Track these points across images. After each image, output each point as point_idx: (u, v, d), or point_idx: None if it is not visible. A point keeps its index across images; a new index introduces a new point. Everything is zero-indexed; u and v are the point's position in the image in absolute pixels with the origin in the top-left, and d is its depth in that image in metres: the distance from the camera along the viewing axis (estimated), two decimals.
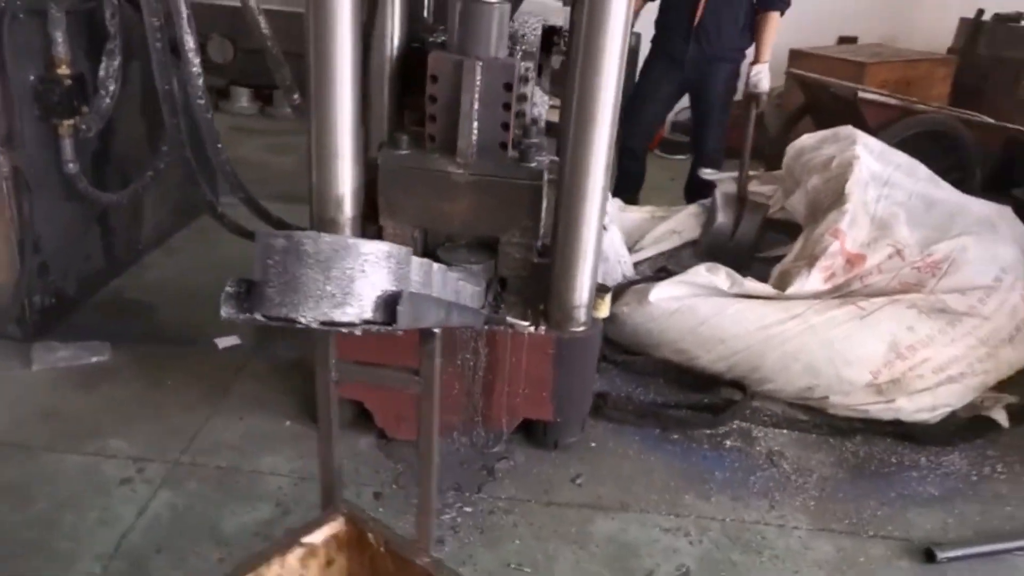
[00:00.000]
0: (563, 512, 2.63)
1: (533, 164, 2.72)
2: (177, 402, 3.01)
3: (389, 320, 1.20)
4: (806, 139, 4.11)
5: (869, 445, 3.15)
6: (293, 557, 1.38)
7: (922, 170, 3.90)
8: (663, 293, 3.30)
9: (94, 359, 3.21)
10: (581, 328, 2.74)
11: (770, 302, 3.25)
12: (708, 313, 3.25)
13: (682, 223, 4.23)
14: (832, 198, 3.64)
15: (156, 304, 3.73)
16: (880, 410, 3.19)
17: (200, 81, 2.90)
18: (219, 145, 3.06)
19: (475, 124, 2.66)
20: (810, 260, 3.35)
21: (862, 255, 3.40)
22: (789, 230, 4.24)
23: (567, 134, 2.51)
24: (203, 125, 2.98)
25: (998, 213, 3.78)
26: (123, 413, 2.92)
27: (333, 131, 2.47)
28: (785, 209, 4.12)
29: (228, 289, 1.20)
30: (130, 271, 4.03)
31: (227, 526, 2.44)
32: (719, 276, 3.32)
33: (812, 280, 3.29)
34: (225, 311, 1.17)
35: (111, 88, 3.33)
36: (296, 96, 3.28)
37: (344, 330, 1.18)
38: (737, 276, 3.31)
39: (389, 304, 1.20)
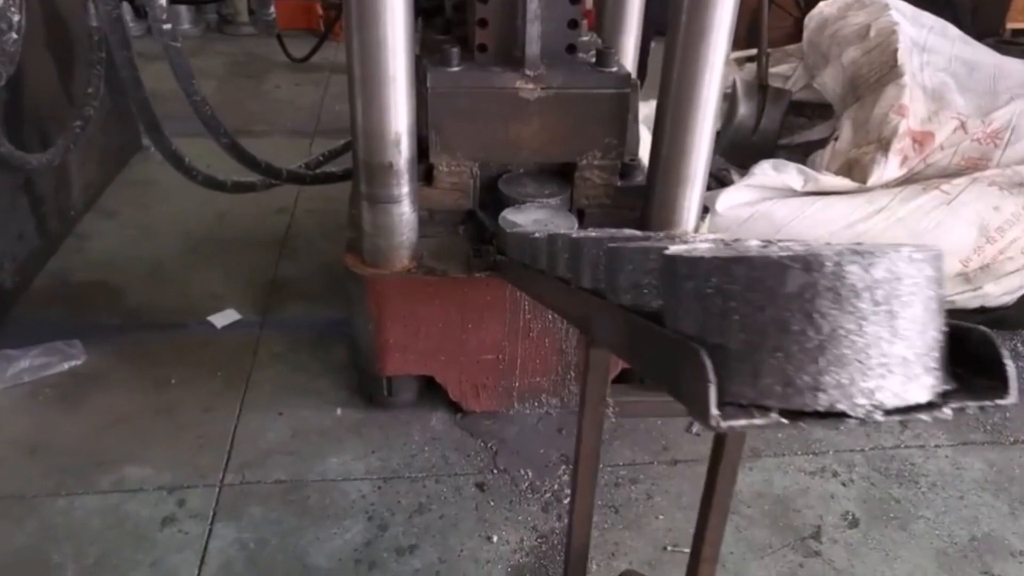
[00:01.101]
0: (694, 470, 2.28)
1: (614, 68, 2.23)
2: (193, 404, 2.44)
3: (997, 391, 0.67)
4: (825, 7, 3.72)
5: None
6: None
7: (952, 30, 3.60)
8: (731, 200, 2.91)
9: (67, 365, 2.57)
10: None
11: (850, 197, 2.92)
12: (785, 217, 2.89)
13: None
14: (881, 71, 3.29)
15: (117, 284, 3.05)
16: (967, 299, 2.97)
17: (163, 0, 2.20)
18: (193, 81, 2.38)
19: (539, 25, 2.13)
20: (882, 144, 3.01)
21: (930, 132, 3.09)
22: (808, 112, 3.91)
23: (677, 23, 2.01)
24: (173, 57, 2.29)
25: None
26: (130, 430, 2.34)
27: (384, 48, 1.88)
28: (811, 89, 3.76)
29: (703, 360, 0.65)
30: (67, 245, 3.30)
31: (318, 558, 1.97)
32: (790, 174, 2.94)
33: (890, 167, 2.96)
34: (715, 421, 0.61)
35: (15, 20, 2.56)
36: (272, 10, 2.61)
37: (927, 418, 0.66)
38: (810, 172, 2.95)
39: (967, 358, 0.69)
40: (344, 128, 4.57)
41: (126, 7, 2.77)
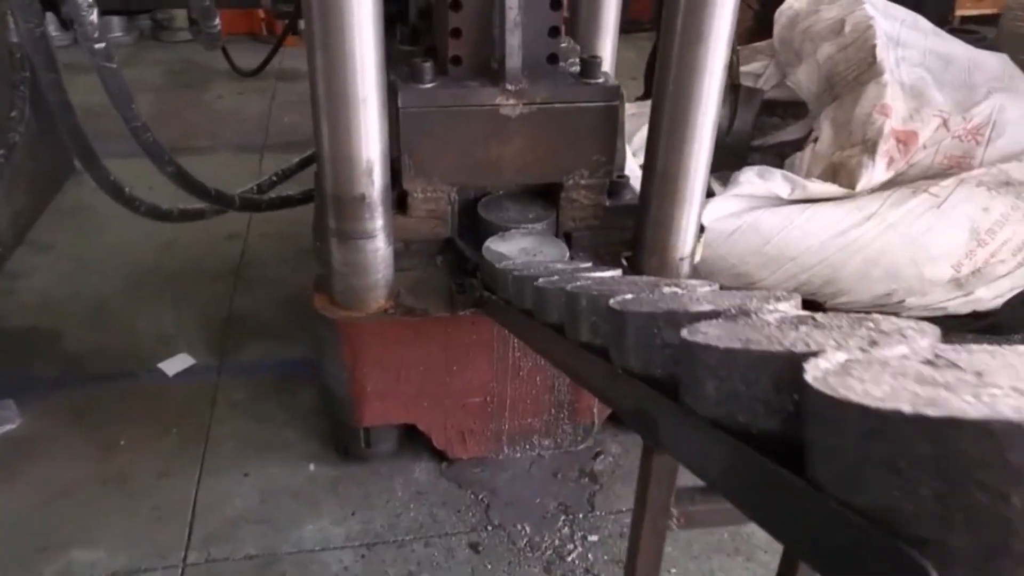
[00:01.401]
0: None
1: (601, 79, 2.04)
2: (146, 469, 2.18)
3: None
4: (795, 2, 3.60)
5: None
6: None
7: (923, 22, 3.51)
8: (718, 212, 2.75)
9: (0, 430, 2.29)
10: None
11: (839, 204, 2.79)
12: (773, 228, 2.75)
13: None
14: (859, 68, 3.17)
15: (54, 328, 2.76)
16: (959, 305, 2.88)
17: (94, 16, 1.93)
18: (132, 105, 2.12)
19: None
20: (867, 146, 2.89)
21: (913, 132, 2.98)
22: (780, 111, 3.80)
23: (672, 29, 1.84)
24: (108, 80, 2.02)
25: (1004, 62, 3.48)
26: (76, 505, 2.07)
27: (352, 65, 1.66)
28: (784, 87, 3.63)
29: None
30: None
31: None
32: (776, 181, 2.80)
33: (878, 170, 2.84)
34: None
35: None
36: (217, 21, 2.36)
37: None
38: (796, 178, 2.82)
39: None
40: (296, 141, 4.33)
41: (51, 17, 2.49)
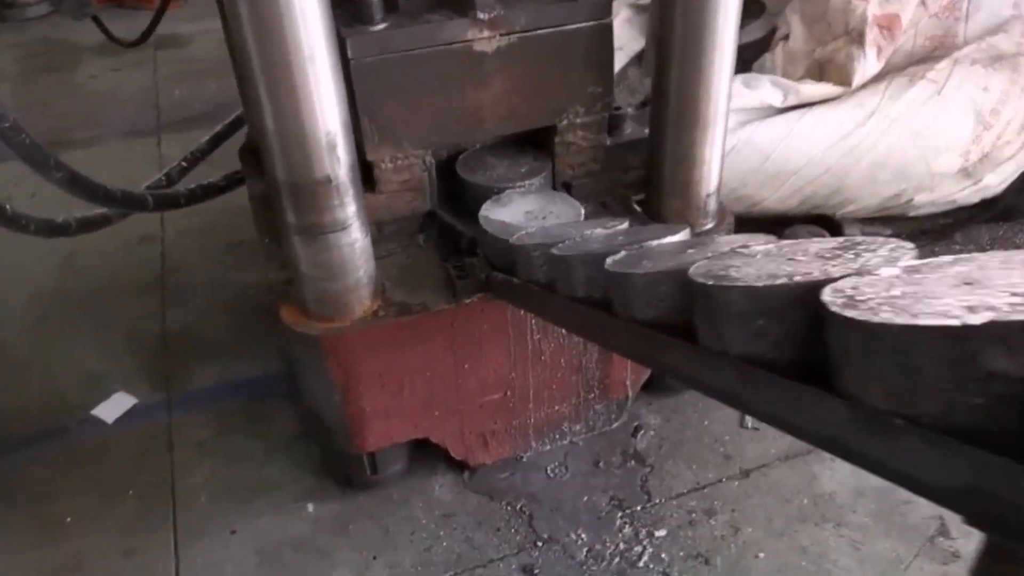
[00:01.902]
0: (771, 480, 1.86)
1: None
2: (106, 549, 1.78)
3: None
4: None
5: (974, 243, 2.65)
6: None
7: None
8: None
9: None
10: (711, 227, 1.85)
11: (836, 104, 2.51)
12: (771, 143, 2.47)
13: (618, 36, 3.28)
14: None
15: None
16: (968, 195, 2.68)
17: None
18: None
19: None
20: (854, 37, 2.61)
21: (895, 15, 2.71)
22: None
23: None
24: None
25: None
26: None
27: (290, 11, 1.25)
28: None
29: None
30: None
31: None
32: (765, 89, 2.51)
33: (870, 61, 2.57)
34: None
35: None
36: None
37: None
38: (787, 83, 2.52)
39: None
40: (194, 116, 3.79)
41: None
